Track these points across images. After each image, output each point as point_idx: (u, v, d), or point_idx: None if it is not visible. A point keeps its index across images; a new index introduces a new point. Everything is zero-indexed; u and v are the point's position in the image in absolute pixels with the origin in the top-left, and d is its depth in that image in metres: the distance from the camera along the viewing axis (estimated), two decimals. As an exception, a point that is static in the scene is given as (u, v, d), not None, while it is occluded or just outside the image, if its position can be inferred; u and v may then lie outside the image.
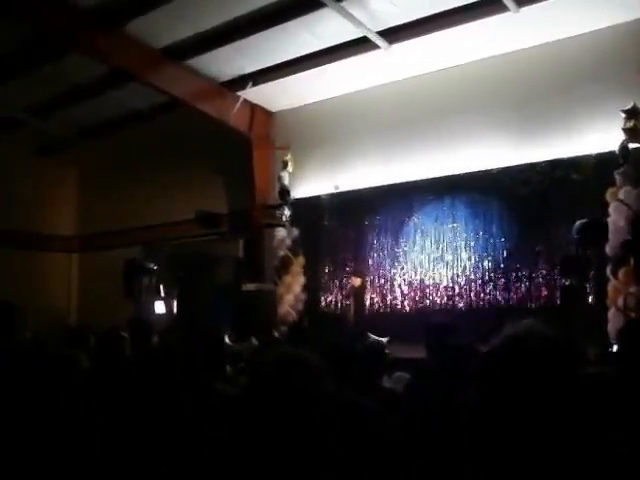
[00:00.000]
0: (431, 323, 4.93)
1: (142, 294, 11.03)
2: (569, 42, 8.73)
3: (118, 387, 2.06)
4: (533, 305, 8.79)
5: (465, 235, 9.50)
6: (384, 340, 7.84)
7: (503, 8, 8.15)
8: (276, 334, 9.10)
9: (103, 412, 2.03)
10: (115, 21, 9.06)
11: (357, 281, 9.93)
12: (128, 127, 12.15)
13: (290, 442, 1.69)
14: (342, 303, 10.47)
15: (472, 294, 9.37)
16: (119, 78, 10.34)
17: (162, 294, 11.93)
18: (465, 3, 8.30)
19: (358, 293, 9.98)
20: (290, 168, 10.86)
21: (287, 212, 10.66)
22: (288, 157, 10.86)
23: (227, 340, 6.50)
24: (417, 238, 9.92)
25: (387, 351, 7.41)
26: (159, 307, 11.84)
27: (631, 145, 7.57)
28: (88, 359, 2.43)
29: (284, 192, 10.78)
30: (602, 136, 7.99)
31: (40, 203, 13.67)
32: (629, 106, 7.56)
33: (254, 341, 7.25)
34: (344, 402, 2.35)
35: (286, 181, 10.86)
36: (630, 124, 7.50)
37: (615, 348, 5.84)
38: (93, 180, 14.30)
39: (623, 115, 7.59)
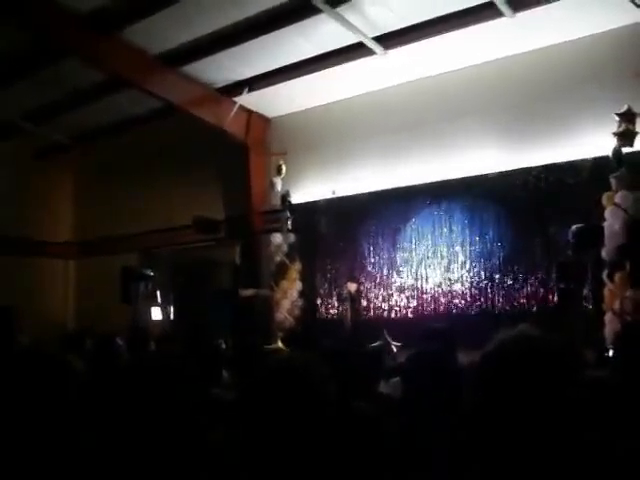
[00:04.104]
0: (426, 328, 4.92)
1: (139, 300, 11.02)
2: (564, 47, 8.77)
3: (113, 393, 2.05)
4: (530, 309, 8.79)
5: (462, 239, 9.51)
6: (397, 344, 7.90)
7: (499, 13, 8.18)
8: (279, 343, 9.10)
9: (98, 417, 2.03)
10: (112, 27, 9.07)
11: (354, 286, 9.91)
12: (125, 133, 12.17)
13: (292, 445, 1.69)
14: (339, 308, 10.46)
15: (469, 299, 9.38)
16: (116, 84, 10.36)
17: (159, 300, 11.93)
18: (461, 9, 8.32)
19: (355, 298, 9.96)
20: (283, 174, 10.88)
21: (289, 218, 10.65)
22: (281, 162, 10.88)
23: (223, 345, 6.49)
24: (414, 242, 9.93)
25: (395, 350, 7.47)
26: (156, 313, 11.83)
27: (625, 149, 7.57)
28: (84, 364, 2.42)
29: (285, 198, 10.79)
30: (598, 140, 7.99)
31: (37, 209, 13.65)
32: (623, 109, 7.56)
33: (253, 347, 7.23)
34: (345, 406, 2.35)
35: (279, 187, 10.88)
36: (622, 128, 7.51)
37: (611, 352, 5.84)
38: (90, 185, 14.28)
39: (617, 119, 7.59)
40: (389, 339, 8.09)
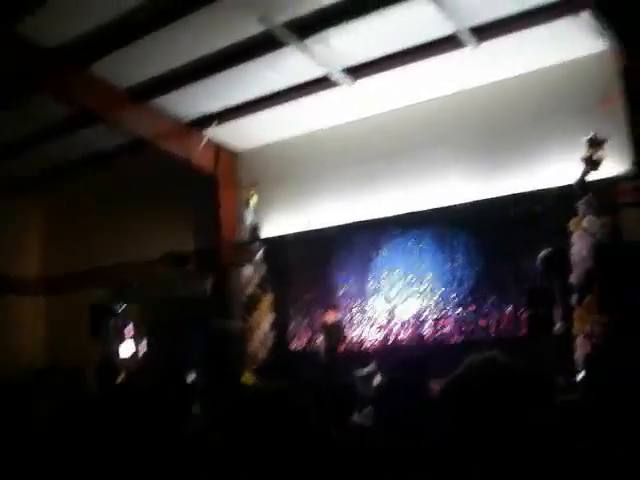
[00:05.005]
0: (397, 358, 4.93)
1: (109, 336, 10.89)
2: (530, 77, 8.93)
3: (82, 427, 2.02)
4: (501, 336, 8.83)
5: (432, 269, 9.54)
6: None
7: (464, 43, 8.31)
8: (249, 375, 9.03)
9: (66, 452, 1.99)
10: (80, 61, 9.05)
11: (331, 317, 9.86)
12: (94, 167, 12.07)
13: (276, 472, 1.68)
14: (312, 340, 10.41)
15: (440, 327, 9.39)
16: (85, 118, 10.31)
17: (130, 334, 11.79)
18: (429, 40, 8.44)
19: (329, 330, 9.90)
20: (253, 205, 10.82)
21: (260, 249, 10.59)
22: (252, 193, 10.84)
23: (195, 379, 6.44)
24: (385, 273, 9.95)
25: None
26: (127, 348, 11.68)
27: (591, 176, 7.65)
28: (51, 399, 2.39)
29: (254, 230, 10.75)
30: (564, 168, 8.08)
31: (5, 245, 13.46)
32: (591, 135, 7.66)
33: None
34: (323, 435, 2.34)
35: (250, 219, 10.83)
36: (589, 153, 7.60)
37: (581, 375, 5.88)
38: (59, 221, 14.14)
39: (585, 144, 7.69)
40: (376, 367, 8.05)
